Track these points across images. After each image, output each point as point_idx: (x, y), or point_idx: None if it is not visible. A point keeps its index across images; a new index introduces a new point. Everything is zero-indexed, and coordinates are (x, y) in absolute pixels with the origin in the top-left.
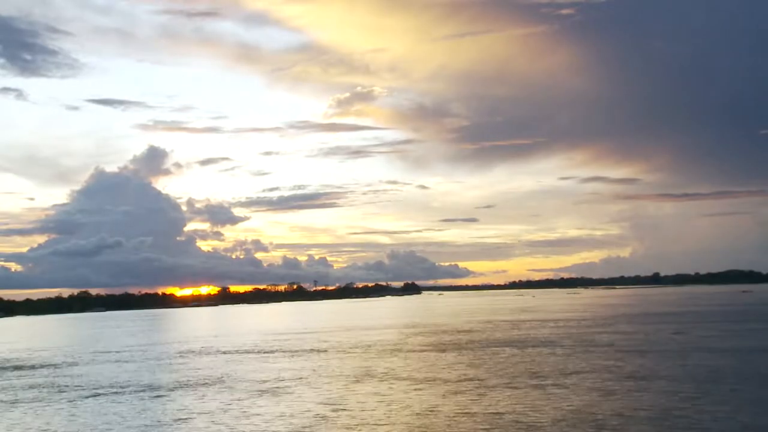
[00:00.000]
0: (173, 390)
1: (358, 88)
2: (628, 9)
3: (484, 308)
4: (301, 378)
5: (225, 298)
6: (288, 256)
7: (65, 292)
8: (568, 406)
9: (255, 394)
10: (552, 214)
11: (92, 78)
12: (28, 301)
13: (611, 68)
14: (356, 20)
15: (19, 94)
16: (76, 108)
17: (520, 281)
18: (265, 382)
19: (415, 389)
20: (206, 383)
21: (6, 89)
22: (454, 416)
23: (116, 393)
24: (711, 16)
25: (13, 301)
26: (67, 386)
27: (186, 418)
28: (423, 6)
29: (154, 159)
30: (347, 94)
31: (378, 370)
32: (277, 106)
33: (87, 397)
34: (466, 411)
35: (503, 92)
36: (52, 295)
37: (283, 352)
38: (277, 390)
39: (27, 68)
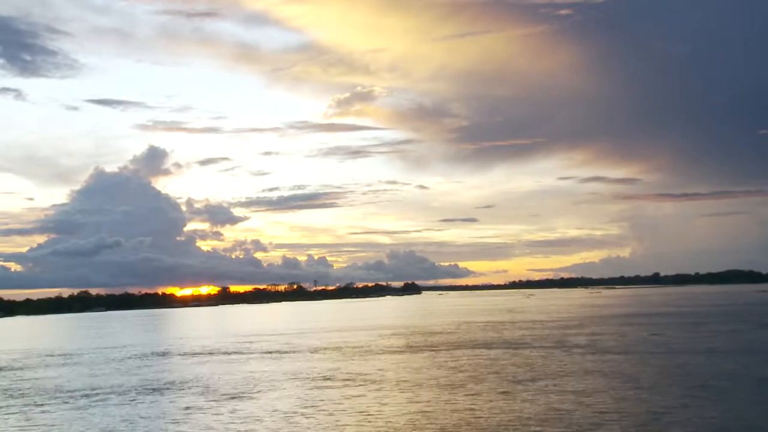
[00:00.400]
0: (128, 393)
1: (358, 88)
2: (627, 9)
3: (483, 309)
4: (269, 381)
5: (225, 298)
6: (288, 256)
7: (65, 292)
8: (530, 408)
9: (219, 397)
10: (552, 214)
11: (91, 78)
12: (28, 301)
13: (611, 68)
14: (356, 20)
15: (18, 94)
16: (75, 108)
17: (520, 281)
18: (231, 385)
19: (379, 392)
20: (168, 386)
21: (5, 89)
22: (411, 419)
23: (67, 398)
24: (710, 16)
25: (13, 301)
26: (25, 390)
27: (132, 423)
28: (423, 6)
29: (154, 159)
30: (347, 94)
31: (348, 372)
32: (277, 106)
33: (38, 404)
34: (426, 413)
35: (503, 92)
36: (52, 295)
37: (263, 353)
38: (241, 394)
39: (27, 68)
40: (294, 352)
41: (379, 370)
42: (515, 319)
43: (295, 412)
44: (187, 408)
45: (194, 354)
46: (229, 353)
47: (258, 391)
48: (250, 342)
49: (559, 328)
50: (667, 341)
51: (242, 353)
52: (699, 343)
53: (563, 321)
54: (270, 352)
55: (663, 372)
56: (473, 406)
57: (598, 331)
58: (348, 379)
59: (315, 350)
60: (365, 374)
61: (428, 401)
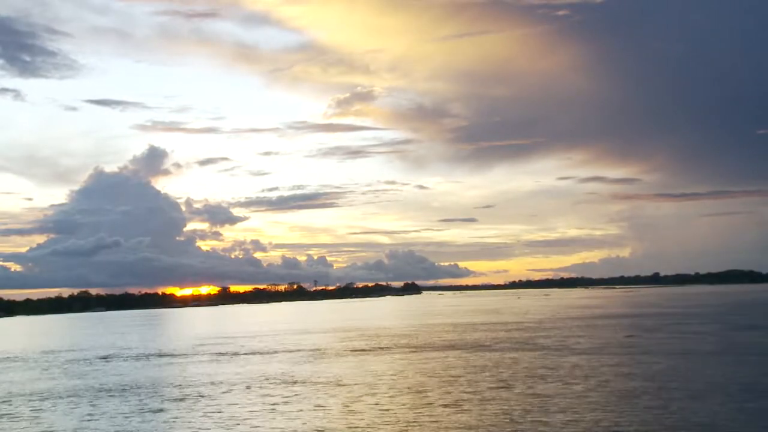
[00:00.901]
0: (74, 396)
1: (358, 88)
2: (625, 9)
3: (476, 309)
4: (221, 383)
5: (225, 297)
6: (287, 256)
7: (65, 292)
8: (481, 411)
9: (166, 401)
10: (551, 214)
11: (91, 78)
12: (28, 301)
13: (609, 68)
14: (356, 20)
15: (17, 94)
16: (74, 108)
17: (520, 281)
18: (184, 387)
19: (337, 395)
20: (122, 389)
21: (5, 90)
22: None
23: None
24: (708, 17)
25: (13, 301)
26: None
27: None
28: (423, 6)
29: (153, 159)
30: (347, 94)
31: (304, 374)
32: (276, 106)
33: None
34: (377, 416)
35: (502, 92)
36: (52, 295)
37: (232, 354)
38: (189, 398)
39: (26, 69)
40: (271, 353)
41: (342, 372)
42: (503, 320)
43: (239, 417)
44: (136, 410)
45: (169, 355)
46: (205, 354)
47: (205, 394)
48: (233, 343)
49: (535, 330)
50: (641, 343)
51: (218, 354)
52: (672, 345)
53: (542, 322)
54: (253, 354)
55: (618, 374)
56: (424, 410)
57: (572, 334)
58: (309, 382)
59: (290, 351)
60: (329, 377)
61: (383, 404)
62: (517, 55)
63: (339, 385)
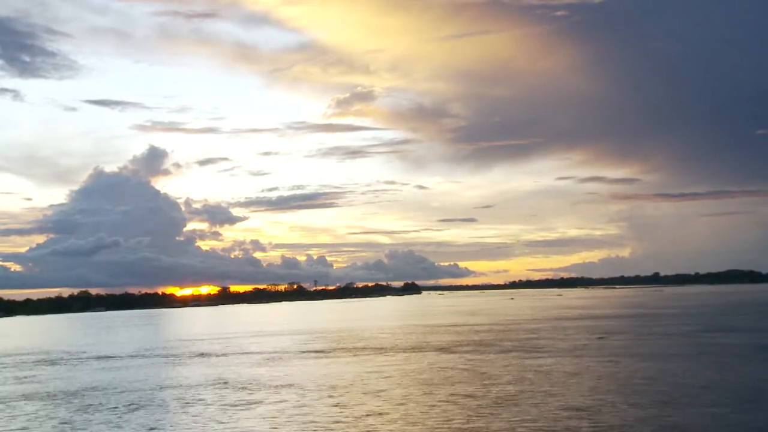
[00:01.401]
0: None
1: (358, 88)
2: (624, 10)
3: (473, 310)
4: (176, 386)
5: (225, 297)
6: (287, 255)
7: (65, 292)
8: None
9: (123, 408)
10: (551, 214)
11: (90, 79)
12: (28, 301)
13: (609, 69)
14: (356, 20)
15: (16, 95)
16: (74, 109)
17: (520, 281)
18: (142, 391)
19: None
20: (73, 393)
21: (4, 90)
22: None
23: None
24: (708, 17)
25: (13, 301)
26: None
27: None
28: (423, 6)
29: (153, 159)
30: (347, 94)
31: (269, 377)
32: (276, 106)
33: None
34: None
35: (502, 92)
36: (52, 295)
37: (204, 356)
38: (139, 403)
39: (26, 69)
40: (246, 353)
41: (316, 374)
42: (487, 322)
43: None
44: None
45: (152, 356)
46: (177, 356)
47: (158, 397)
48: (229, 343)
49: (512, 331)
50: (611, 345)
51: (214, 355)
52: (644, 348)
53: (521, 324)
54: (207, 355)
55: (573, 376)
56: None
57: (544, 336)
58: (266, 386)
59: (262, 352)
60: (295, 379)
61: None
62: (517, 55)
63: (323, 388)
